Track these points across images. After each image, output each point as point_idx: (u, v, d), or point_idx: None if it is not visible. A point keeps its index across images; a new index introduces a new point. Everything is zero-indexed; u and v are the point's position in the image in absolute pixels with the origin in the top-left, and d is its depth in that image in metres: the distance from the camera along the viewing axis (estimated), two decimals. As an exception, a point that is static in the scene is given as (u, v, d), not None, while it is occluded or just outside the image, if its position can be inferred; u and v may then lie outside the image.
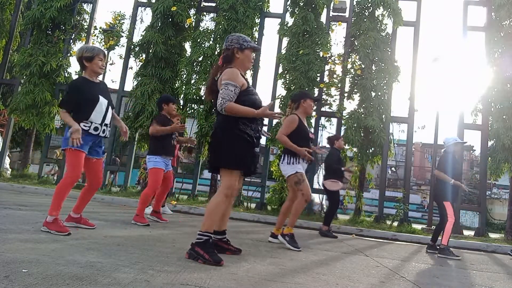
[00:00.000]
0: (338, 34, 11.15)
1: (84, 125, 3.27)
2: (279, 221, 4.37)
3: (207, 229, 2.73)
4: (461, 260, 4.79)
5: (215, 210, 2.77)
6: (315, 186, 9.28)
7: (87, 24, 10.63)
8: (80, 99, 3.31)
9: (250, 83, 3.12)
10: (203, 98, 9.28)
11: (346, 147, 8.65)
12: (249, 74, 9.14)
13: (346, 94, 9.26)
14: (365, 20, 9.16)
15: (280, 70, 9.31)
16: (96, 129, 3.34)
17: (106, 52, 3.67)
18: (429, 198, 10.00)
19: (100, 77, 3.76)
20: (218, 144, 2.84)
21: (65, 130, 3.35)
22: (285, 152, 4.23)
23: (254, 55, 3.06)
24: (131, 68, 9.99)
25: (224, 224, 3.18)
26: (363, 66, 8.99)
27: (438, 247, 5.06)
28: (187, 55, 9.75)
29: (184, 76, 9.42)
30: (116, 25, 10.12)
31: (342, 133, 8.93)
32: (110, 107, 3.49)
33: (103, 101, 3.40)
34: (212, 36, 9.49)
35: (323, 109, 9.39)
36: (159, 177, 4.74)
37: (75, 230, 3.39)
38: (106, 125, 3.43)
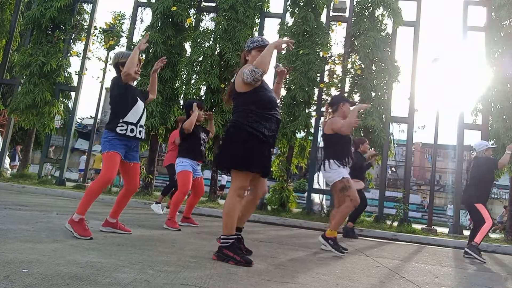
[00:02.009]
0: (338, 34, 11.18)
1: (120, 129, 3.31)
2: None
3: (229, 232, 2.80)
4: (485, 264, 4.75)
5: (231, 212, 2.80)
6: (315, 186, 9.28)
7: (87, 24, 10.63)
8: (121, 94, 3.36)
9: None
10: (203, 98, 9.29)
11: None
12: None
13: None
14: (365, 20, 9.16)
15: (280, 70, 9.29)
16: (132, 130, 3.37)
17: (141, 57, 3.71)
18: (429, 198, 9.99)
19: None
20: (227, 143, 2.86)
21: (102, 136, 3.38)
22: (327, 157, 4.08)
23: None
24: (131, 68, 9.97)
25: (242, 222, 3.16)
26: (363, 66, 8.99)
27: (470, 244, 5.05)
28: (187, 55, 9.75)
29: (184, 76, 9.42)
30: (116, 25, 10.11)
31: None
32: (144, 111, 3.57)
33: (140, 104, 3.49)
34: (212, 36, 9.49)
35: (323, 109, 9.38)
36: (188, 179, 4.69)
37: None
38: (141, 126, 3.48)
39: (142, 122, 3.50)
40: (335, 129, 4.08)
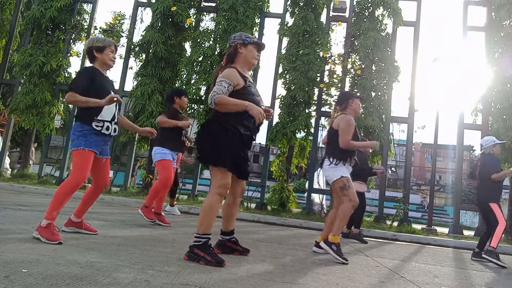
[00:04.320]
0: (338, 34, 11.15)
1: (96, 125, 3.05)
2: (327, 230, 4.01)
3: (204, 231, 2.67)
4: (507, 268, 4.70)
5: (210, 211, 2.69)
6: (315, 186, 9.28)
7: (87, 24, 10.63)
8: (92, 89, 3.03)
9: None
10: (203, 98, 9.29)
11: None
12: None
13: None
14: (365, 20, 9.16)
15: (280, 70, 9.31)
16: (107, 128, 3.12)
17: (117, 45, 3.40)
18: (429, 198, 9.99)
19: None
20: (202, 137, 2.77)
21: (72, 130, 3.16)
22: (328, 154, 3.86)
23: (258, 52, 2.98)
24: (131, 68, 10.00)
25: (231, 224, 3.14)
26: (363, 66, 8.99)
27: (486, 249, 4.96)
28: (187, 55, 9.76)
29: (184, 76, 9.42)
30: (116, 25, 10.12)
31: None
32: (118, 105, 3.28)
33: (112, 95, 3.18)
34: (212, 36, 9.49)
35: (323, 109, 9.40)
36: (170, 170, 4.53)
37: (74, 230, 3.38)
38: (115, 123, 3.25)
39: (116, 118, 3.24)
40: (339, 128, 3.81)
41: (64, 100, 3.04)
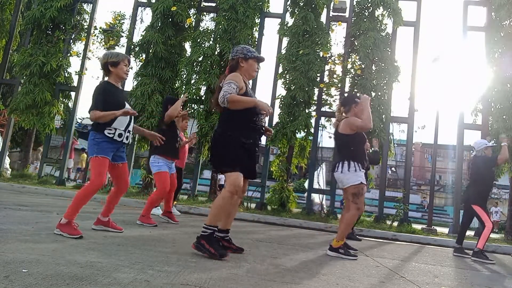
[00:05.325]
0: (338, 34, 11.14)
1: (108, 132, 3.29)
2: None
3: (211, 223, 2.92)
4: (495, 264, 4.81)
5: (220, 205, 2.95)
6: (315, 186, 9.28)
7: (87, 24, 10.63)
8: (106, 104, 3.28)
9: (250, 85, 3.28)
10: (203, 98, 9.29)
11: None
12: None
13: (346, 94, 9.26)
14: (365, 20, 9.16)
15: (280, 70, 9.31)
16: (120, 135, 3.35)
17: (130, 58, 3.62)
18: (429, 198, 9.99)
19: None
20: (214, 147, 3.13)
21: (89, 137, 3.35)
22: (347, 159, 3.89)
23: (257, 65, 3.28)
24: (131, 68, 9.98)
25: (228, 224, 3.30)
26: (363, 66, 8.98)
27: (473, 250, 5.08)
28: (187, 55, 9.76)
29: (184, 76, 9.42)
30: (116, 25, 10.12)
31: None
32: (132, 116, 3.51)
33: (128, 108, 3.42)
34: (212, 36, 9.49)
35: (323, 109, 9.39)
36: (166, 180, 4.78)
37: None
38: (129, 131, 3.46)
39: (130, 127, 3.46)
40: (358, 127, 3.90)
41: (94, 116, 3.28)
